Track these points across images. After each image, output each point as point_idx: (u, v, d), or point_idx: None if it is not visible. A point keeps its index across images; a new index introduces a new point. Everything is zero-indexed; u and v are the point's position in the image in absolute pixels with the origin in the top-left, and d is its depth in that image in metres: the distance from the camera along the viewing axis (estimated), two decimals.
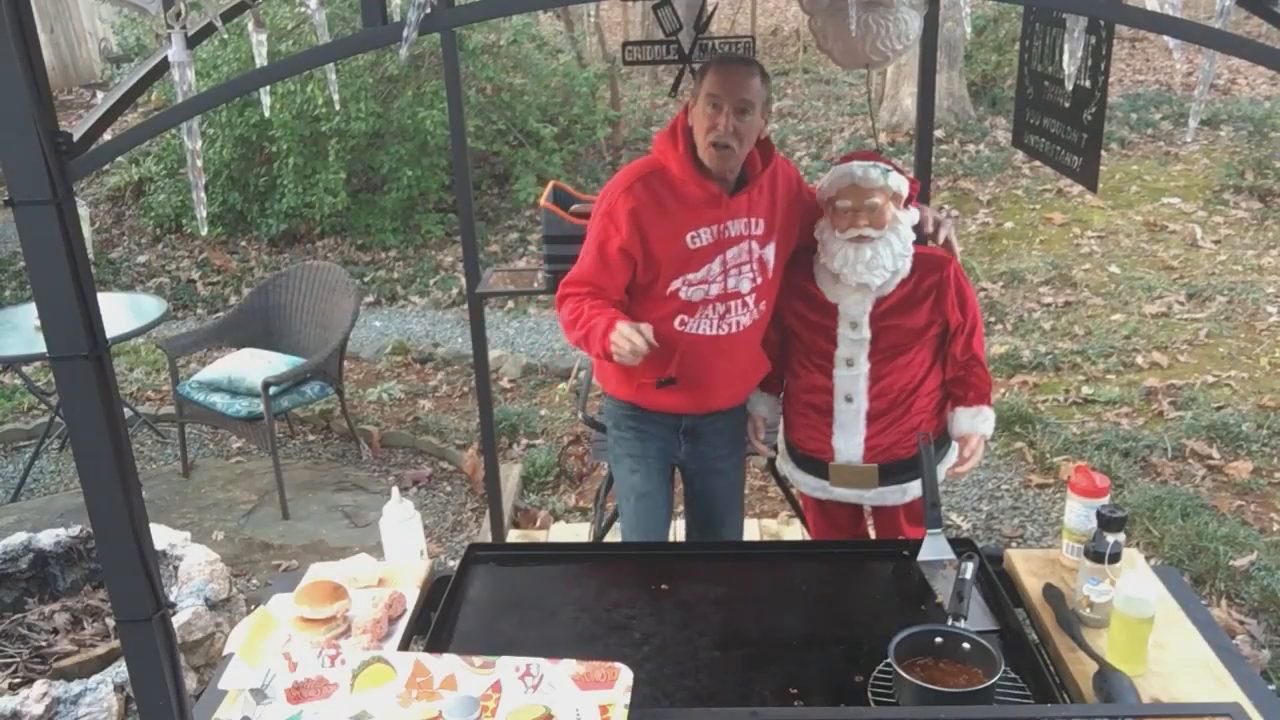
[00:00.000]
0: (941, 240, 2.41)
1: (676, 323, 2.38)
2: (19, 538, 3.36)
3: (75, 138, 1.16)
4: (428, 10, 1.10)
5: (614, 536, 3.34)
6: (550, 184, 3.30)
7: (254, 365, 4.33)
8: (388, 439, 4.84)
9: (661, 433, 2.56)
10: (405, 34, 1.11)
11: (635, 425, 2.57)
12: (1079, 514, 2.03)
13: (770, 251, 2.40)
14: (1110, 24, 2.12)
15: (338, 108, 7.15)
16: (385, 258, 7.56)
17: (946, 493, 4.07)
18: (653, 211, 2.32)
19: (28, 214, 1.14)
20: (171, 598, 3.02)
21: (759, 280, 2.40)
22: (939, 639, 1.73)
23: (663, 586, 2.07)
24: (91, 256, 6.53)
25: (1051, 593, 1.98)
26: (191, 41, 1.22)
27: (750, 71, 2.28)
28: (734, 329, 2.41)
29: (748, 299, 2.40)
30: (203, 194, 1.26)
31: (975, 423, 2.46)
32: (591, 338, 2.27)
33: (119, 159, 7.68)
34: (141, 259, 7.60)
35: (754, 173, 2.38)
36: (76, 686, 2.69)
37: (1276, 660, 3.06)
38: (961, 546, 2.11)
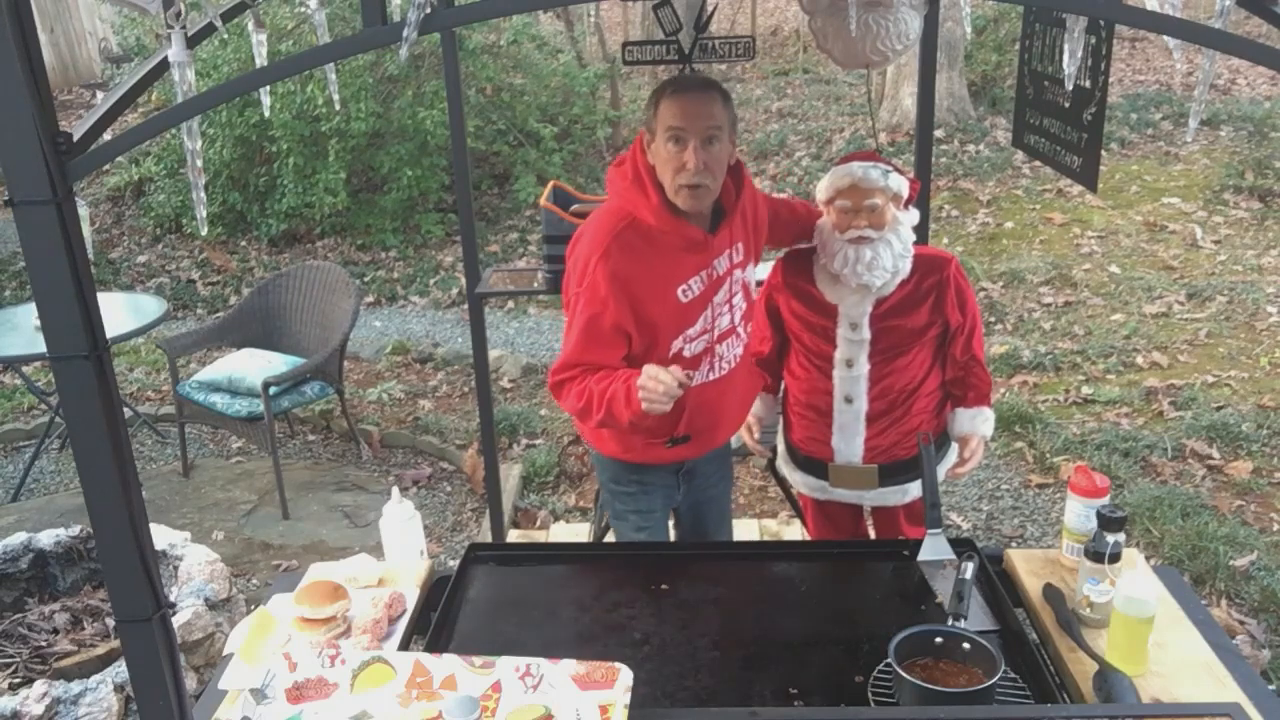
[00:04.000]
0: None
1: None
2: (19, 538, 3.36)
3: (75, 138, 1.16)
4: (428, 10, 1.10)
5: (614, 536, 3.34)
6: (550, 184, 3.30)
7: (254, 365, 4.33)
8: (388, 439, 4.84)
9: (664, 480, 2.44)
10: (405, 34, 1.11)
11: (638, 479, 2.42)
12: (1079, 514, 2.03)
13: (750, 272, 2.32)
14: (1110, 24, 2.12)
15: (338, 108, 7.16)
16: (385, 258, 7.56)
17: (946, 493, 4.08)
18: (637, 272, 2.10)
19: (28, 214, 1.14)
20: (171, 598, 3.02)
21: (744, 305, 2.32)
22: (939, 639, 1.72)
23: (663, 586, 2.07)
24: (91, 256, 6.52)
25: (1051, 593, 1.98)
26: (191, 41, 1.22)
27: (710, 95, 2.05)
28: (732, 363, 2.33)
29: (739, 329, 2.32)
30: (203, 194, 1.26)
31: (975, 423, 2.46)
32: (616, 408, 2.02)
33: (119, 159, 7.69)
34: (141, 259, 7.60)
35: (730, 202, 2.21)
36: (76, 686, 2.69)
37: (1276, 660, 3.06)
38: (961, 546, 2.11)
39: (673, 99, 2.04)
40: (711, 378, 2.29)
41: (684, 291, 2.17)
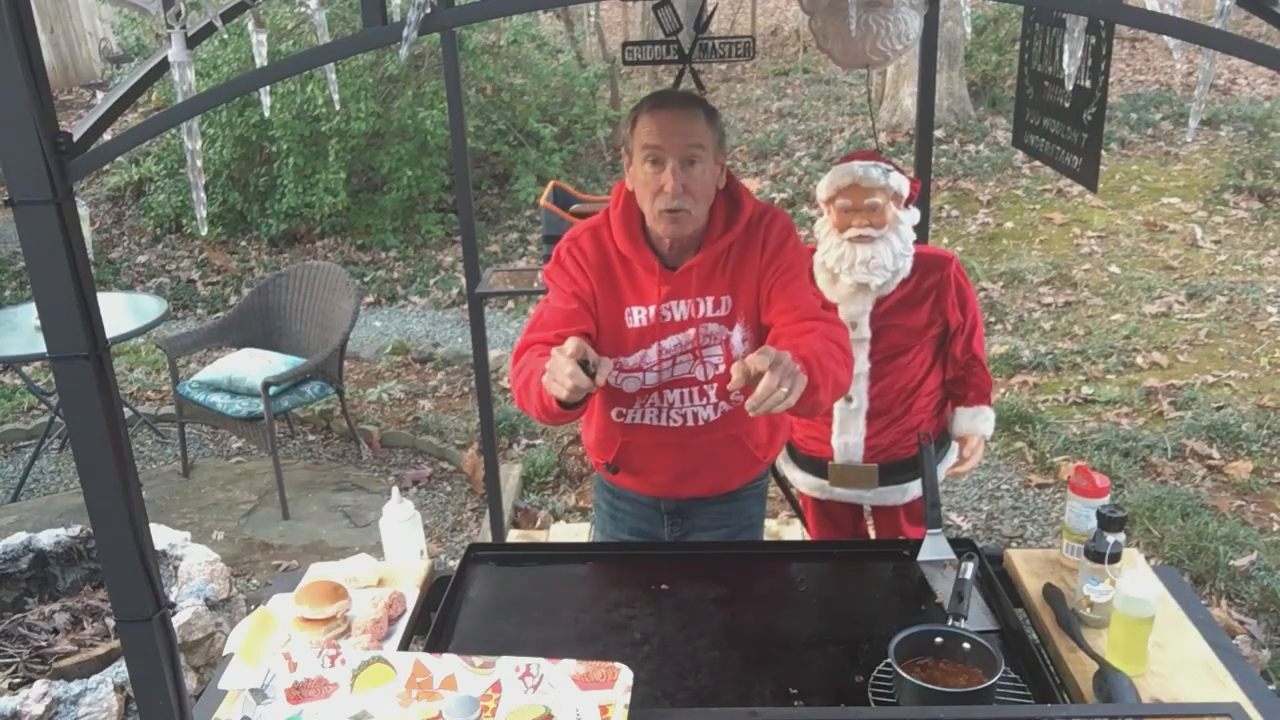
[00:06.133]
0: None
1: (614, 414, 2.11)
2: (19, 538, 3.36)
3: (75, 138, 1.16)
4: (428, 10, 1.10)
5: None
6: (550, 184, 3.30)
7: (254, 365, 4.33)
8: (388, 439, 4.84)
9: (638, 511, 2.28)
10: (405, 34, 1.11)
11: (609, 499, 2.33)
12: (1079, 514, 2.03)
13: (739, 334, 2.01)
14: (1110, 24, 2.12)
15: (338, 108, 7.16)
16: (385, 258, 7.56)
17: (946, 493, 4.08)
18: (598, 270, 2.00)
19: (28, 214, 1.14)
20: (171, 598, 3.02)
21: (723, 368, 2.01)
22: (939, 639, 1.72)
23: (663, 586, 2.06)
24: (91, 256, 6.52)
25: (1051, 593, 1.98)
26: (191, 41, 1.22)
27: (691, 112, 1.89)
28: (688, 421, 2.07)
29: (706, 389, 2.05)
30: (203, 194, 1.26)
31: (975, 423, 2.46)
32: (531, 384, 1.84)
33: (119, 159, 7.69)
34: (141, 259, 7.60)
35: (710, 237, 1.97)
36: (76, 686, 2.69)
37: (1276, 660, 3.06)
38: (961, 546, 2.11)
39: (650, 116, 1.89)
40: (653, 422, 2.10)
41: (629, 315, 2.01)
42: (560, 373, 1.69)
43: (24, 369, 5.11)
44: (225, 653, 1.96)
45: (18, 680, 2.90)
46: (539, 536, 3.95)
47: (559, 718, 1.55)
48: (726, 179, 2.01)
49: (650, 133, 1.88)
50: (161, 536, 3.35)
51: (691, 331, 2.01)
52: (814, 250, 2.40)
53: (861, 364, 2.38)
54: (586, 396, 1.77)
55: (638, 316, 2.01)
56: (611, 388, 2.07)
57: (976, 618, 1.88)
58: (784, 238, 2.00)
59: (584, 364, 1.71)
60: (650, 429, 2.11)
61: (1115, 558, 1.87)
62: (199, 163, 1.25)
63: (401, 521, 2.20)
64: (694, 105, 1.92)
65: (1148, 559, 3.11)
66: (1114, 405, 4.74)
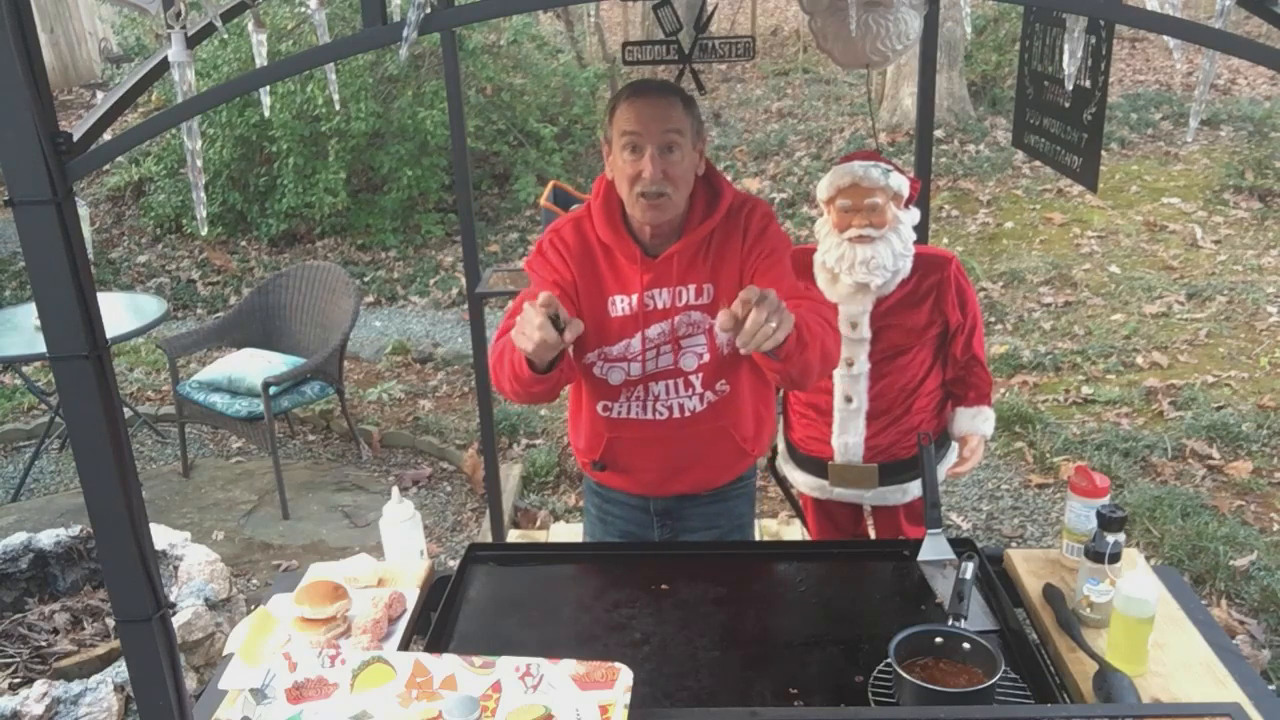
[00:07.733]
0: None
1: (600, 408, 2.11)
2: (19, 538, 3.36)
3: (75, 138, 1.16)
4: (428, 10, 1.10)
5: None
6: (550, 184, 3.30)
7: (254, 365, 4.33)
8: (388, 439, 4.84)
9: (627, 514, 2.28)
10: (405, 34, 1.11)
11: (598, 503, 2.32)
12: (1079, 514, 2.03)
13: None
14: (1110, 24, 2.12)
15: (338, 108, 7.16)
16: (385, 258, 7.56)
17: (946, 493, 4.08)
18: (580, 260, 2.02)
19: (28, 214, 1.14)
20: (171, 598, 3.02)
21: (707, 358, 2.03)
22: (939, 639, 1.72)
23: (663, 586, 2.06)
24: (91, 256, 6.53)
25: (1051, 593, 1.98)
26: (191, 41, 1.22)
27: (668, 99, 1.91)
28: (676, 413, 2.07)
29: (692, 379, 2.04)
30: (203, 194, 1.26)
31: (975, 423, 2.46)
32: (505, 357, 1.89)
33: (119, 159, 7.69)
34: (141, 259, 7.60)
35: (690, 225, 1.98)
36: (76, 686, 2.69)
37: (1276, 660, 3.06)
38: (961, 546, 2.11)
39: (628, 104, 1.92)
40: (639, 415, 2.10)
41: (612, 305, 2.02)
42: (529, 325, 1.69)
43: (24, 369, 5.11)
44: (225, 653, 1.96)
45: (18, 680, 2.90)
46: (539, 536, 3.95)
47: (559, 718, 1.55)
48: (705, 167, 2.02)
49: (628, 119, 1.90)
50: (161, 536, 3.35)
51: (676, 320, 2.02)
52: (813, 250, 2.40)
53: (861, 364, 2.38)
54: (557, 361, 1.80)
55: (621, 305, 2.02)
56: (597, 380, 2.08)
57: (976, 618, 1.88)
58: (765, 224, 2.02)
59: (555, 321, 1.70)
60: (637, 423, 2.11)
61: (1115, 558, 1.87)
62: (199, 163, 1.25)
63: (401, 521, 2.20)
64: (671, 93, 1.94)
65: (1148, 559, 3.11)
66: (1114, 405, 4.74)
